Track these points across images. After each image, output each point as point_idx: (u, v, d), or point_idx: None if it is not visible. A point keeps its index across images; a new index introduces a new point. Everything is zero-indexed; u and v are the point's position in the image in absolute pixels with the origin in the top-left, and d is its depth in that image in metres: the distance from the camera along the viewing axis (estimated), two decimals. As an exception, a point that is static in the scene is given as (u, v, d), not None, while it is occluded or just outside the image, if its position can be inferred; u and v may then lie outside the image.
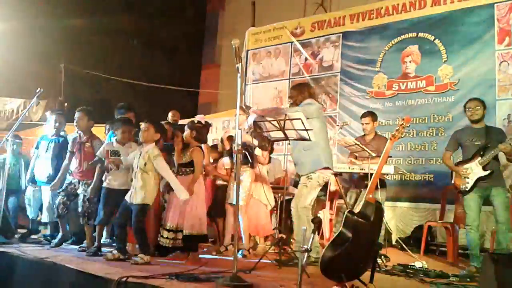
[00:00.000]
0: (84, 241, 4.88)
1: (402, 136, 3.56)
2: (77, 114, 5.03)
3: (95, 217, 4.70)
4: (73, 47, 12.67)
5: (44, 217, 5.56)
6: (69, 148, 5.13)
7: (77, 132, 5.08)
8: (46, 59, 12.18)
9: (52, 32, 11.84)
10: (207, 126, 4.84)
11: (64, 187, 5.00)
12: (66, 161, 5.13)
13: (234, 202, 4.82)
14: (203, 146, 4.80)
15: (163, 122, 5.10)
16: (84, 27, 12.17)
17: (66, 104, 11.94)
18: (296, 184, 6.22)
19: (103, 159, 4.61)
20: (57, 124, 5.56)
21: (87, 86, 12.95)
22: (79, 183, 4.93)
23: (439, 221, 5.48)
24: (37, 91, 5.38)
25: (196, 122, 4.75)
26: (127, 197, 4.30)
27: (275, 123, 4.35)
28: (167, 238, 4.40)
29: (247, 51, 8.97)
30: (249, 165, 5.08)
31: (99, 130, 5.57)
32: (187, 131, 4.66)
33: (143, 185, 4.24)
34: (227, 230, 5.22)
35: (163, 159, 4.33)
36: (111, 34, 12.91)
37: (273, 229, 5.63)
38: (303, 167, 4.50)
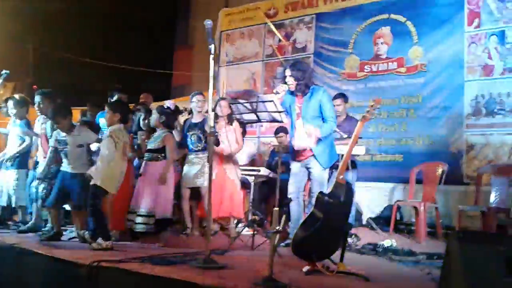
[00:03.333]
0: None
1: (373, 117, 3.60)
2: (37, 98, 4.92)
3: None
4: (43, 28, 12.33)
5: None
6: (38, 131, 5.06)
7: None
8: (14, 41, 11.82)
9: (22, 13, 11.48)
10: (176, 112, 4.82)
11: (43, 175, 4.92)
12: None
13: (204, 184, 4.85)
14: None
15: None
16: (55, 8, 11.82)
17: (35, 86, 11.64)
18: (269, 166, 6.27)
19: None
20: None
21: (58, 68, 12.65)
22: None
23: (408, 200, 5.61)
24: (2, 72, 5.22)
25: (166, 107, 4.72)
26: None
27: (247, 105, 4.36)
28: (140, 223, 4.38)
29: (221, 32, 8.88)
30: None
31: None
32: (156, 115, 4.62)
33: (99, 165, 4.19)
34: (187, 213, 5.14)
35: (111, 141, 4.20)
36: (83, 15, 12.58)
37: (247, 212, 5.66)
38: (324, 159, 4.32)
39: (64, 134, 4.53)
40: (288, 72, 4.31)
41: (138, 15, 13.03)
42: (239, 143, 5.35)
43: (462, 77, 6.27)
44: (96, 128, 5.31)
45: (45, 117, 5.05)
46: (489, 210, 4.95)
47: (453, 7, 6.47)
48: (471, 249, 2.51)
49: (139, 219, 4.40)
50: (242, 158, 6.29)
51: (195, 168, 5.01)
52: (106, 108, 4.35)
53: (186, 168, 5.12)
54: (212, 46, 3.46)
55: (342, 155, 3.84)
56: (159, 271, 3.01)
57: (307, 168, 4.36)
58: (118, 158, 4.23)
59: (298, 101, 4.37)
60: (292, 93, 4.38)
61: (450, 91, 6.33)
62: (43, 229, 4.79)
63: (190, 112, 5.37)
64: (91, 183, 4.13)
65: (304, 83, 4.29)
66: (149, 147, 4.64)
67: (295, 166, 4.42)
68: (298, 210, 4.38)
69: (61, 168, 4.55)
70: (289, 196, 4.37)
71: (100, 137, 4.72)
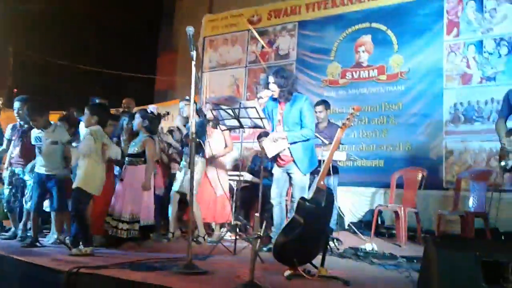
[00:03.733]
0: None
1: (352, 124, 3.65)
2: (16, 105, 4.86)
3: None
4: (23, 31, 12.17)
5: None
6: (7, 136, 5.00)
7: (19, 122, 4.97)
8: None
9: (2, 16, 11.31)
10: (159, 117, 4.82)
11: (9, 180, 4.87)
12: (5, 150, 5.04)
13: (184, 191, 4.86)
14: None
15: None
16: (36, 11, 11.69)
17: (15, 90, 11.49)
18: (252, 172, 6.29)
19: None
20: None
21: (39, 72, 12.49)
22: (23, 172, 4.83)
23: (389, 205, 5.68)
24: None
25: (149, 112, 4.71)
26: None
27: (229, 111, 4.36)
28: (122, 229, 4.35)
29: (204, 38, 8.90)
30: (200, 154, 5.05)
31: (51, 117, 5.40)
32: (138, 119, 4.61)
33: (79, 168, 4.09)
34: (173, 218, 5.15)
35: (91, 138, 4.07)
36: (64, 19, 12.46)
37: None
38: (304, 165, 4.32)
39: (38, 131, 4.51)
40: (271, 79, 4.33)
41: (122, 20, 12.96)
42: (228, 145, 5.41)
43: (441, 85, 6.40)
44: (73, 123, 5.25)
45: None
46: (468, 214, 5.04)
47: (433, 17, 6.62)
48: (448, 254, 2.54)
49: (123, 226, 4.36)
50: (226, 162, 6.30)
51: (183, 173, 5.02)
52: (85, 110, 4.27)
53: (177, 172, 5.18)
54: (194, 53, 3.45)
55: (323, 161, 3.87)
56: (139, 276, 2.99)
57: (288, 174, 4.38)
58: (97, 159, 4.12)
59: (281, 107, 4.40)
60: (275, 99, 4.42)
61: (430, 99, 6.46)
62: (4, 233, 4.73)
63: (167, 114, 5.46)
64: (73, 186, 4.07)
65: (287, 90, 4.31)
66: (129, 151, 4.62)
67: (276, 171, 4.45)
68: (281, 215, 4.40)
69: (36, 170, 4.47)
70: (271, 201, 4.40)
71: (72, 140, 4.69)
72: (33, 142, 4.66)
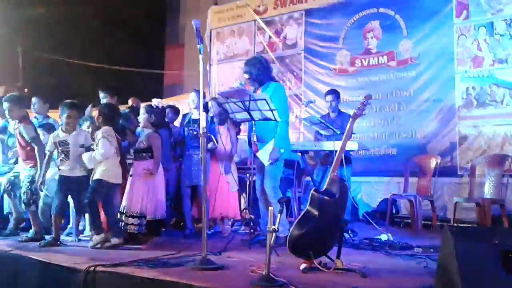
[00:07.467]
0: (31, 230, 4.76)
1: (364, 113, 3.61)
2: (5, 105, 4.78)
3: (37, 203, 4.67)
4: (32, 31, 12.23)
5: None
6: None
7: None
8: (4, 44, 11.73)
9: (10, 16, 11.37)
10: (164, 111, 4.81)
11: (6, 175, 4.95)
12: None
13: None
14: None
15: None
16: (43, 9, 11.74)
17: (26, 89, 11.57)
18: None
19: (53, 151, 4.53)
20: None
21: (47, 70, 12.58)
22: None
23: (403, 194, 5.63)
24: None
25: (154, 106, 4.70)
26: None
27: (240, 104, 4.33)
28: (132, 224, 4.36)
29: (211, 30, 8.87)
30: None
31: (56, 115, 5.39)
32: (144, 115, 4.59)
33: (106, 163, 4.28)
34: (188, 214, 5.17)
35: (106, 142, 4.24)
36: (72, 17, 12.50)
37: (243, 210, 5.64)
38: (266, 155, 4.27)
39: (63, 134, 4.48)
40: (243, 68, 4.42)
41: (128, 15, 12.97)
42: (233, 142, 5.37)
43: (453, 69, 6.31)
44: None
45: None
46: (484, 201, 4.98)
47: (442, 0, 6.49)
48: (466, 244, 2.51)
49: (133, 221, 4.37)
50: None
51: (192, 166, 5.00)
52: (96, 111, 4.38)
53: (184, 165, 5.14)
54: (201, 46, 3.42)
55: (336, 151, 3.84)
56: (155, 274, 3.00)
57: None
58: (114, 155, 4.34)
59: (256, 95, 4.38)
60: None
61: (441, 84, 6.37)
62: (26, 235, 4.76)
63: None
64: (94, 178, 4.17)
65: (256, 78, 4.33)
66: (135, 147, 4.62)
67: (257, 163, 4.43)
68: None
69: (61, 173, 4.47)
70: (257, 193, 4.38)
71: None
72: (49, 149, 4.57)
